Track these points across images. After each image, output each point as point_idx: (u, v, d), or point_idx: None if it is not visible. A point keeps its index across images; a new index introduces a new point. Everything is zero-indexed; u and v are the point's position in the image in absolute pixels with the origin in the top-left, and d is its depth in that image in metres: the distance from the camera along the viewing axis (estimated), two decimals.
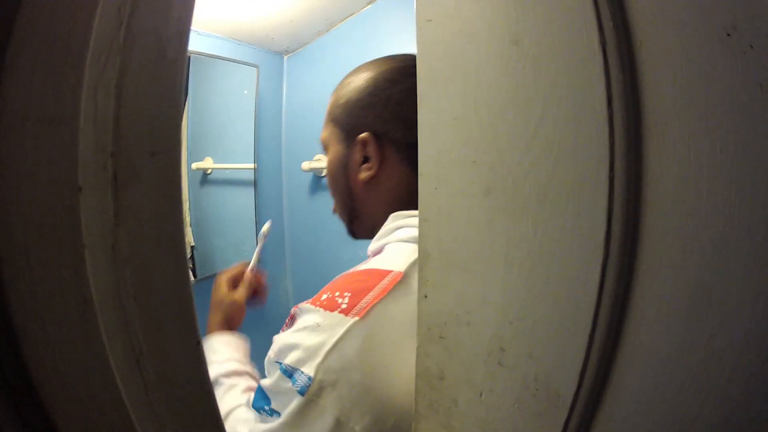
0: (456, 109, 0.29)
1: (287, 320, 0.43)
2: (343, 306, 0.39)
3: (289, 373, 0.38)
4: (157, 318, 0.21)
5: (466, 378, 0.32)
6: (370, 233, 0.53)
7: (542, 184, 0.26)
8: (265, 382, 0.42)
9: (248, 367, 0.57)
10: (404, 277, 0.41)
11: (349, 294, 0.40)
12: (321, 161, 1.35)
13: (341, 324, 0.38)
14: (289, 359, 0.38)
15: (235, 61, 1.26)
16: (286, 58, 1.45)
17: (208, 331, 0.63)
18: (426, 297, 0.33)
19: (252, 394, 0.44)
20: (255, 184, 1.37)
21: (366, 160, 0.50)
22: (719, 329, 0.24)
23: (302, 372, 0.37)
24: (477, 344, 0.30)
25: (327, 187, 0.59)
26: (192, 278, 1.22)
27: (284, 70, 1.46)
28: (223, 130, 1.32)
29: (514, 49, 0.26)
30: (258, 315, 1.43)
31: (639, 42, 0.25)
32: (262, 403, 0.41)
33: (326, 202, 1.42)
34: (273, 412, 0.40)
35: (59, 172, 0.20)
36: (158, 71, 0.21)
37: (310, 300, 0.42)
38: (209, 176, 1.30)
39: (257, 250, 0.77)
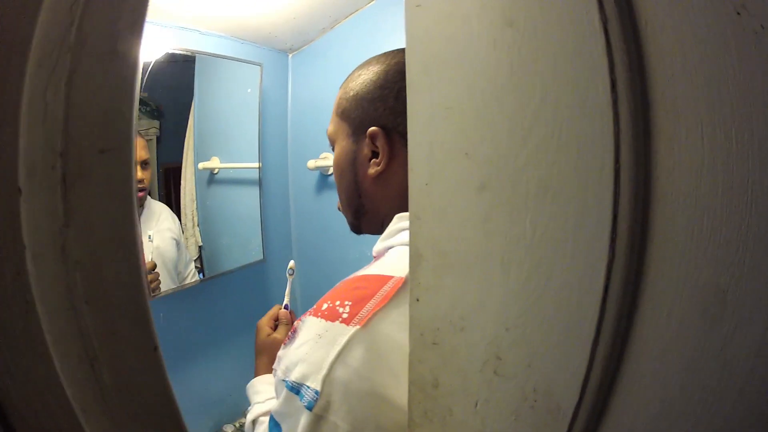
0: (448, 98, 0.27)
1: (289, 333, 0.42)
2: (344, 315, 0.38)
3: (295, 389, 0.37)
4: (111, 322, 0.20)
5: (461, 387, 0.30)
6: (378, 229, 0.52)
7: (541, 178, 0.24)
8: (274, 407, 0.41)
9: None
10: (405, 283, 0.39)
11: (350, 303, 0.39)
12: (327, 159, 1.34)
13: (343, 334, 0.37)
14: (294, 375, 0.38)
15: (238, 59, 1.25)
16: (290, 56, 1.45)
17: (256, 375, 0.65)
18: (418, 300, 0.31)
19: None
20: (260, 183, 1.37)
21: (375, 155, 0.49)
22: (734, 336, 0.22)
23: (308, 387, 0.36)
24: (472, 352, 0.28)
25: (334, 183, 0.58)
26: (200, 277, 1.22)
27: (289, 68, 1.45)
28: (229, 129, 1.33)
29: (508, 31, 0.24)
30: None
31: (644, 21, 0.22)
32: (274, 431, 0.40)
33: (333, 200, 1.41)
34: None
35: None
36: (109, 66, 0.20)
37: (312, 310, 0.41)
38: (216, 176, 1.31)
39: (287, 290, 0.78)
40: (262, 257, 1.38)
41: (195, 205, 1.25)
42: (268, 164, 1.41)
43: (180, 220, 1.20)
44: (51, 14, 0.19)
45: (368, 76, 0.50)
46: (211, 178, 1.29)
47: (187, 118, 1.20)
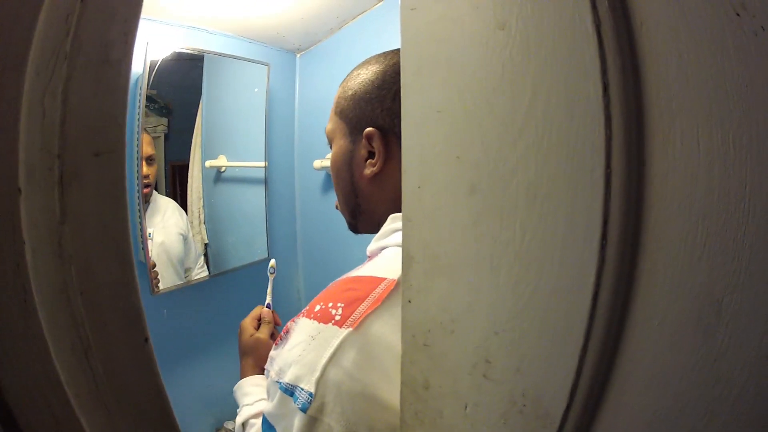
0: (440, 101, 0.27)
1: (281, 333, 0.42)
2: (337, 317, 0.38)
3: (289, 391, 0.37)
4: (103, 314, 0.21)
5: (451, 389, 0.30)
6: (375, 229, 0.52)
7: (531, 181, 0.24)
8: (267, 408, 0.41)
9: None
10: (398, 285, 0.39)
11: (343, 305, 0.39)
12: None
13: (336, 336, 0.37)
14: (288, 377, 0.38)
15: (246, 59, 1.26)
16: (298, 56, 1.45)
17: (242, 376, 0.65)
18: (410, 302, 0.31)
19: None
20: (266, 182, 1.38)
21: (371, 155, 0.49)
22: (729, 347, 0.21)
23: (302, 389, 0.36)
24: (461, 354, 0.28)
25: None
26: (206, 274, 1.23)
27: (296, 68, 1.46)
28: (236, 128, 1.34)
29: (500, 34, 0.24)
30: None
31: (639, 22, 0.22)
32: None
33: None
34: None
35: (0, 176, 0.20)
36: (102, 73, 0.21)
37: (305, 311, 0.41)
38: (223, 174, 1.32)
39: (269, 289, 0.79)
40: (267, 255, 1.39)
41: (201, 202, 1.26)
42: (275, 163, 1.42)
43: (187, 216, 1.21)
44: (48, 25, 0.20)
45: (367, 75, 0.50)
46: (218, 176, 1.31)
47: (195, 117, 1.21)
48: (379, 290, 0.39)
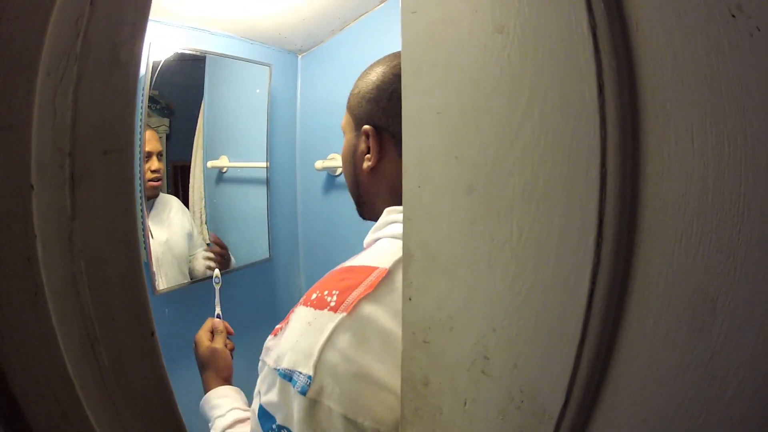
0: (439, 102, 0.27)
1: (282, 323, 0.44)
2: (332, 304, 0.40)
3: (288, 376, 0.39)
4: (110, 307, 0.21)
5: (450, 385, 0.30)
6: (375, 217, 0.55)
7: (527, 181, 0.24)
8: (265, 399, 0.42)
9: (249, 413, 0.58)
10: (389, 273, 0.41)
11: (337, 292, 0.41)
12: (334, 160, 1.34)
13: (331, 320, 0.39)
14: (286, 362, 0.39)
15: (247, 60, 1.27)
16: (300, 57, 1.46)
17: (205, 390, 0.66)
18: (410, 300, 0.31)
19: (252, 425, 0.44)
20: (268, 182, 1.38)
21: (369, 150, 0.52)
22: (723, 347, 0.22)
23: (301, 372, 0.38)
24: (460, 351, 0.28)
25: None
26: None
27: (298, 69, 1.47)
28: (238, 128, 1.34)
29: (498, 37, 0.24)
30: (273, 314, 1.44)
31: (634, 24, 0.22)
32: (268, 424, 0.41)
33: (340, 201, 1.42)
34: (282, 429, 0.40)
35: (13, 172, 0.20)
36: (112, 75, 0.21)
37: (302, 300, 0.43)
38: (224, 174, 1.32)
39: (217, 299, 0.79)
40: (268, 256, 1.40)
41: (203, 203, 1.27)
42: (276, 164, 1.42)
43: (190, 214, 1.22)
44: (58, 27, 0.21)
45: (371, 75, 0.53)
46: (220, 177, 1.31)
47: (197, 117, 1.22)
48: (371, 278, 0.41)
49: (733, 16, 0.21)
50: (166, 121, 1.14)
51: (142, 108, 1.04)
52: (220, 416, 0.58)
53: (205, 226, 1.28)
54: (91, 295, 0.21)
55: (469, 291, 0.27)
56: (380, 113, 0.51)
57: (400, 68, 0.50)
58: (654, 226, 0.23)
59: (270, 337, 0.44)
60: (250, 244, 1.39)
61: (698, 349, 0.22)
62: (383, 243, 0.47)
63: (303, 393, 0.37)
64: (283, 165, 1.46)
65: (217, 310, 0.78)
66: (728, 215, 0.22)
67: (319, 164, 1.35)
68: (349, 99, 0.56)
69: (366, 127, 0.51)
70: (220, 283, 0.82)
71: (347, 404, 0.37)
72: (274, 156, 1.40)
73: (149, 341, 0.23)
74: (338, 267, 0.47)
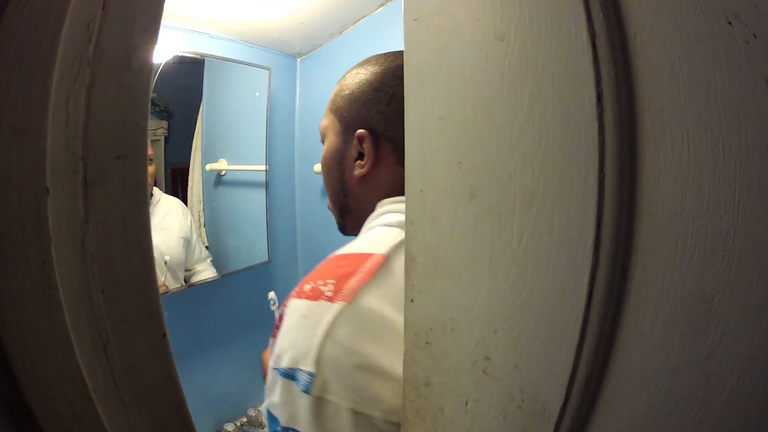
0: (441, 109, 0.28)
1: (276, 322, 0.42)
2: (328, 293, 0.38)
3: (290, 375, 0.37)
4: (123, 310, 0.22)
5: (452, 386, 0.31)
6: (360, 230, 0.51)
7: (528, 186, 0.25)
8: (269, 401, 0.40)
9: None
10: (386, 259, 0.40)
11: (334, 281, 0.39)
12: None
13: (329, 311, 0.37)
14: (286, 361, 0.37)
15: (246, 63, 1.27)
16: (299, 60, 1.47)
17: None
18: (412, 302, 0.32)
19: None
20: (266, 185, 1.38)
21: (361, 156, 0.49)
22: (719, 346, 0.22)
23: (302, 370, 0.36)
24: (462, 352, 0.29)
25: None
26: (213, 274, 1.24)
27: (297, 72, 1.47)
28: (237, 131, 1.35)
29: (499, 45, 0.25)
30: (272, 317, 1.44)
31: (633, 33, 0.23)
32: (273, 426, 0.39)
33: None
34: (287, 431, 0.38)
35: (28, 176, 0.21)
36: (124, 80, 0.22)
37: (294, 292, 0.41)
38: (223, 177, 1.33)
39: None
40: (267, 258, 1.40)
41: (202, 205, 1.27)
42: (275, 167, 1.43)
43: (191, 217, 1.21)
44: (71, 32, 0.21)
45: (365, 76, 0.50)
46: (218, 180, 1.31)
47: (196, 120, 1.22)
48: (368, 264, 0.39)
49: (730, 23, 0.22)
50: (164, 123, 1.15)
51: None
52: None
53: (203, 230, 1.28)
54: (104, 297, 0.21)
55: (471, 293, 0.28)
56: (378, 117, 0.48)
57: (399, 70, 0.48)
58: (651, 230, 0.24)
59: (270, 341, 0.42)
60: (249, 247, 1.39)
61: (695, 348, 0.23)
62: (376, 230, 0.45)
63: (307, 391, 0.35)
64: (282, 168, 1.47)
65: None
66: (723, 218, 0.22)
67: (317, 167, 1.35)
68: (333, 100, 0.52)
69: (361, 131, 0.48)
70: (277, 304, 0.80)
71: (354, 398, 0.35)
72: (273, 159, 1.41)
73: (161, 343, 0.23)
74: (331, 255, 0.44)
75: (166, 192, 1.17)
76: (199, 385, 1.24)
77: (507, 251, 0.26)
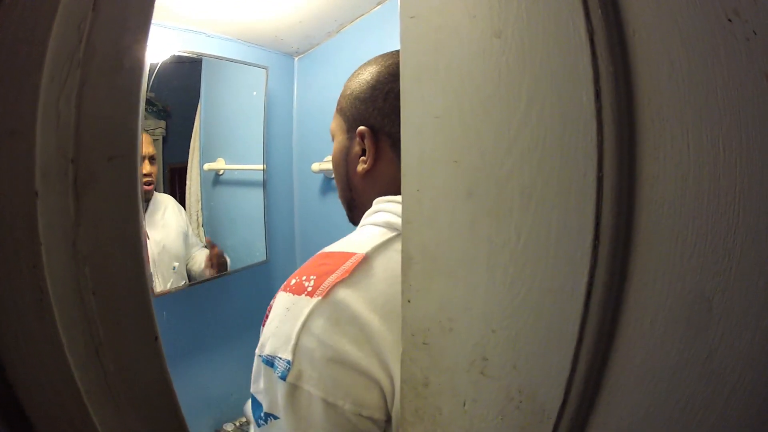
0: (438, 107, 0.28)
1: (267, 313, 0.44)
2: (309, 289, 0.41)
3: (270, 362, 0.40)
4: (115, 312, 0.22)
5: (450, 386, 0.30)
6: None
7: (526, 185, 0.25)
8: (254, 387, 0.43)
9: None
10: (366, 258, 0.42)
11: (315, 277, 0.42)
12: (331, 162, 1.34)
13: (307, 305, 0.40)
14: (267, 349, 0.40)
15: (244, 62, 1.27)
16: (296, 59, 1.46)
17: None
18: (409, 302, 0.32)
19: None
20: (264, 184, 1.38)
21: (364, 152, 0.52)
22: (720, 345, 0.22)
23: (281, 358, 0.39)
24: (459, 352, 0.29)
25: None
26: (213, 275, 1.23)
27: (295, 71, 1.47)
28: (234, 131, 1.34)
29: (496, 42, 0.25)
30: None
31: (631, 30, 0.23)
32: (257, 413, 0.42)
33: (336, 203, 1.42)
34: (268, 417, 0.40)
35: (18, 179, 0.20)
36: (116, 80, 0.21)
37: (282, 287, 0.44)
38: (221, 177, 1.32)
39: None
40: (265, 258, 1.40)
41: (200, 205, 1.27)
42: (273, 166, 1.42)
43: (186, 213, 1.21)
44: (61, 32, 0.20)
45: (364, 76, 0.53)
46: (216, 179, 1.31)
47: (194, 120, 1.22)
48: (348, 264, 0.42)
49: (730, 20, 0.21)
50: (162, 123, 1.14)
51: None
52: None
53: (201, 229, 1.28)
54: (96, 300, 0.21)
55: (469, 293, 0.27)
56: (376, 113, 0.50)
57: (395, 68, 0.50)
58: (650, 228, 0.24)
59: (261, 330, 0.45)
60: (248, 247, 1.39)
61: (695, 347, 0.23)
62: (365, 229, 0.47)
63: (283, 378, 0.38)
64: (280, 167, 1.47)
65: None
66: (723, 217, 0.22)
67: (315, 166, 1.35)
68: (339, 101, 0.55)
69: (361, 128, 0.50)
70: None
71: (325, 388, 0.37)
72: (271, 158, 1.40)
73: (153, 346, 0.23)
74: (319, 252, 0.47)
75: (164, 191, 1.17)
76: (198, 385, 1.24)
77: (505, 250, 0.25)
